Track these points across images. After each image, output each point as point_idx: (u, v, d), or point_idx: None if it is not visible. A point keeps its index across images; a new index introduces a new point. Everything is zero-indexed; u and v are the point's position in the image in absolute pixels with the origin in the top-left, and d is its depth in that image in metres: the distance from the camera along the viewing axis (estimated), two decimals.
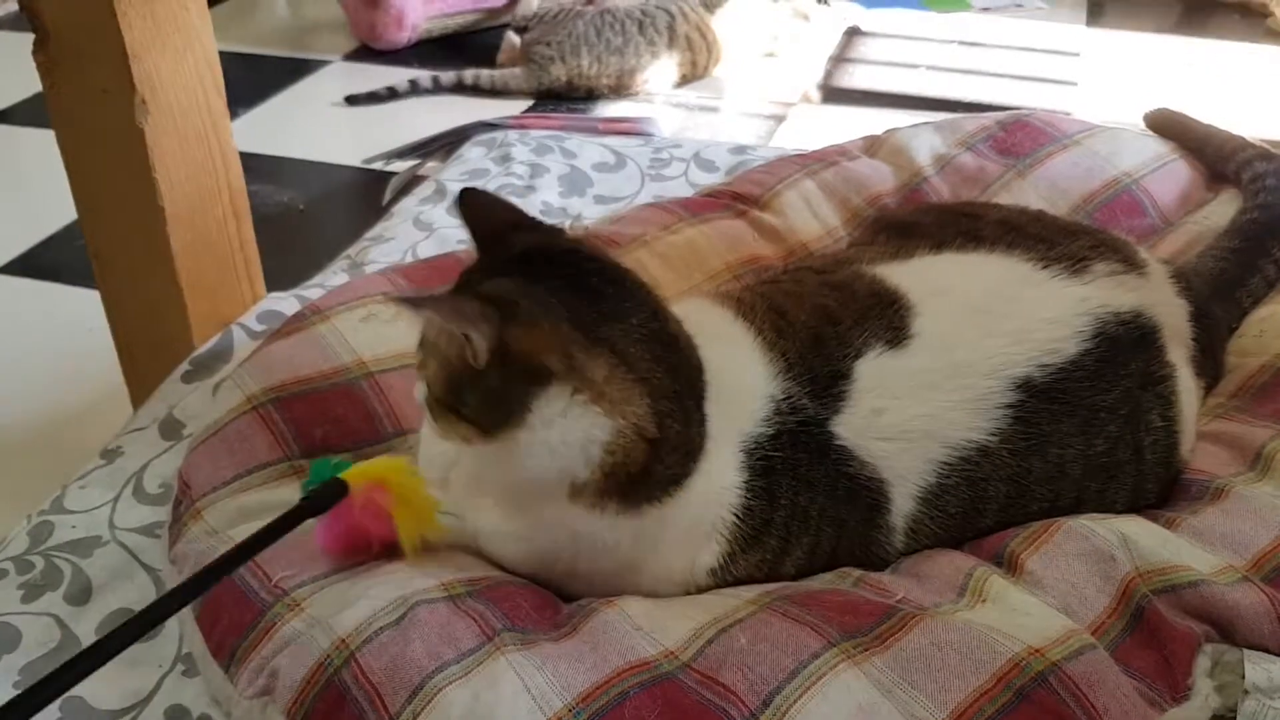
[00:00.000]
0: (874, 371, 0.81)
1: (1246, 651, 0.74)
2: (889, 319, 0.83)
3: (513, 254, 0.77)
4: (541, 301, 0.72)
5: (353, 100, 2.16)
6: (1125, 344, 0.86)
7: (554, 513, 0.74)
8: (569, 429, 0.71)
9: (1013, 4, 2.51)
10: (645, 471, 0.73)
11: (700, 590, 0.79)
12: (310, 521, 0.87)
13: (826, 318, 0.84)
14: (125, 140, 1.08)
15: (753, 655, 0.69)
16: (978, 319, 0.84)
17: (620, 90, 2.14)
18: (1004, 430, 0.80)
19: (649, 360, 0.73)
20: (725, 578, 0.78)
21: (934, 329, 0.83)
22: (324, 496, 0.78)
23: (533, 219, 0.81)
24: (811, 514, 0.78)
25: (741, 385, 0.78)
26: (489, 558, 0.82)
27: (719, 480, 0.76)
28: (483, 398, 0.72)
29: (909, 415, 0.80)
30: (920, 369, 0.81)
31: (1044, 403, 0.82)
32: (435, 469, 0.82)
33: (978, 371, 0.81)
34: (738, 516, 0.76)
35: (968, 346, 0.82)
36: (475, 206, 0.81)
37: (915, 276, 0.88)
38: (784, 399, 0.79)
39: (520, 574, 0.81)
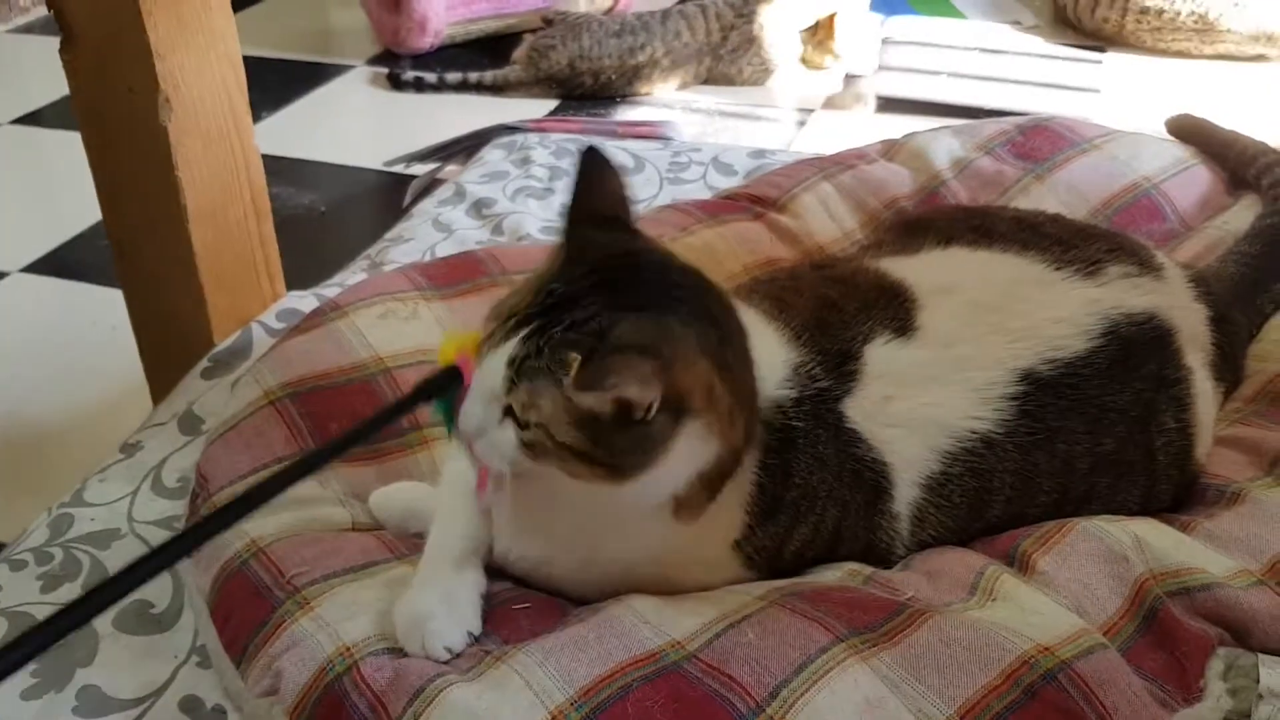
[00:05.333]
0: (882, 358, 0.81)
1: (1261, 655, 0.74)
2: (894, 310, 0.84)
3: (615, 261, 0.71)
4: (686, 339, 0.68)
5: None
6: (1138, 345, 0.86)
7: (647, 528, 0.73)
8: (694, 456, 0.70)
9: (1011, 21, 2.49)
10: (729, 473, 0.74)
11: (722, 569, 0.79)
12: (338, 516, 0.87)
13: (828, 305, 0.84)
14: (149, 138, 1.09)
15: (761, 648, 0.69)
16: (985, 316, 0.84)
17: (627, 75, 2.15)
18: (1009, 422, 0.81)
19: (747, 378, 0.74)
20: (745, 549, 0.78)
21: (939, 324, 0.83)
22: (438, 382, 0.72)
23: (627, 214, 0.76)
24: (820, 492, 0.78)
25: (757, 346, 0.76)
26: (538, 583, 0.81)
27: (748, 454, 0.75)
28: (629, 443, 0.67)
29: (915, 404, 0.80)
30: (925, 361, 0.82)
31: (1050, 397, 0.82)
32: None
33: (980, 365, 0.82)
34: (757, 488, 0.76)
35: (972, 343, 0.83)
36: (592, 175, 0.75)
37: (921, 272, 0.88)
38: (801, 365, 0.79)
39: (567, 593, 0.80)
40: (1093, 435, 0.83)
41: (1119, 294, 0.87)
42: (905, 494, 0.80)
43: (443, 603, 0.75)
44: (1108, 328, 0.85)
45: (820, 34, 2.17)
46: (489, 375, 0.69)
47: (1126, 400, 0.84)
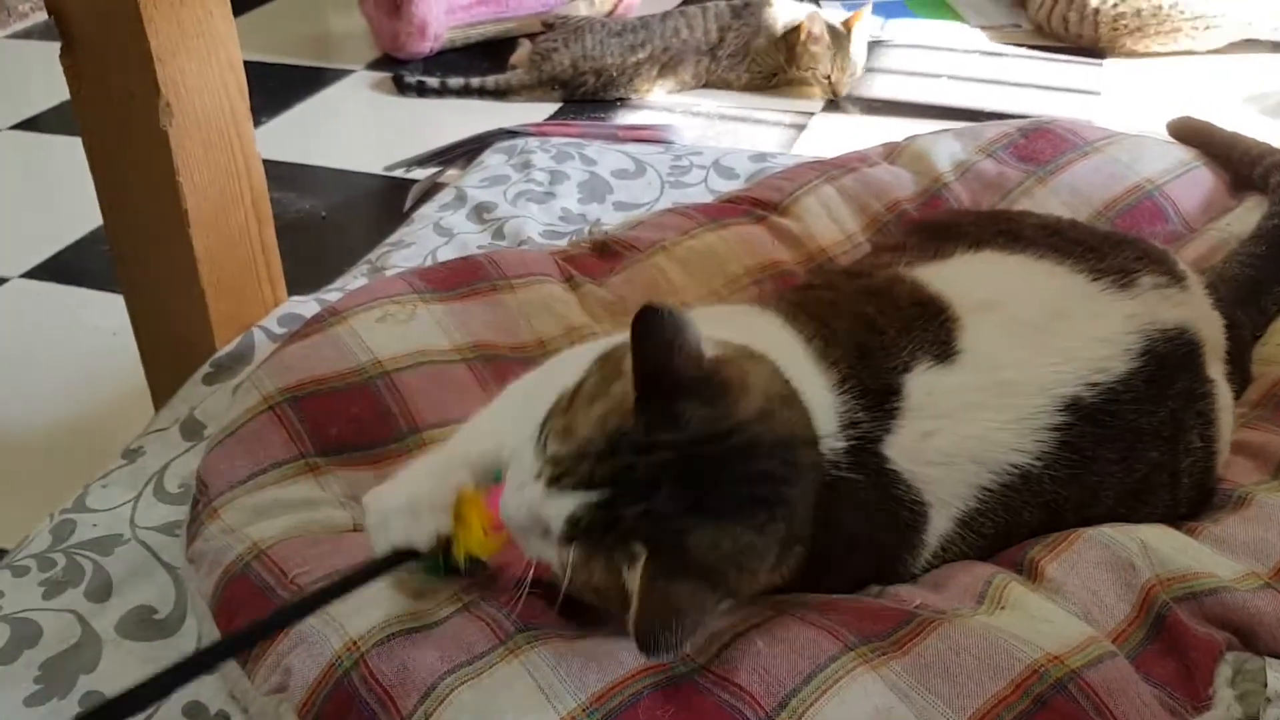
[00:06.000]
0: (923, 388, 0.77)
1: (1269, 659, 0.74)
2: (935, 332, 0.80)
3: (701, 449, 0.67)
4: (755, 553, 0.68)
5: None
6: (1171, 362, 0.83)
7: None
8: None
9: (1010, 24, 2.48)
10: None
11: None
12: (338, 518, 0.88)
13: (869, 327, 0.81)
14: (150, 143, 1.09)
15: (770, 658, 0.69)
16: (1028, 335, 0.81)
17: (629, 73, 2.15)
18: (1049, 454, 0.78)
19: (806, 530, 0.71)
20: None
21: (982, 345, 0.80)
22: (392, 559, 0.76)
23: (701, 373, 0.69)
24: (856, 540, 0.76)
25: (806, 399, 0.74)
26: None
27: None
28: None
29: (957, 437, 0.76)
30: (968, 386, 0.78)
31: (1090, 426, 0.79)
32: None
33: (1025, 391, 0.78)
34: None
35: (1015, 365, 0.79)
36: (653, 340, 0.68)
37: (959, 282, 0.85)
38: (845, 411, 0.75)
39: None
40: (1126, 463, 0.80)
41: (1153, 307, 0.85)
42: (938, 528, 0.78)
43: (404, 511, 0.76)
44: (1146, 346, 0.82)
45: (795, 38, 2.14)
46: (549, 510, 0.67)
47: (1159, 421, 0.81)
